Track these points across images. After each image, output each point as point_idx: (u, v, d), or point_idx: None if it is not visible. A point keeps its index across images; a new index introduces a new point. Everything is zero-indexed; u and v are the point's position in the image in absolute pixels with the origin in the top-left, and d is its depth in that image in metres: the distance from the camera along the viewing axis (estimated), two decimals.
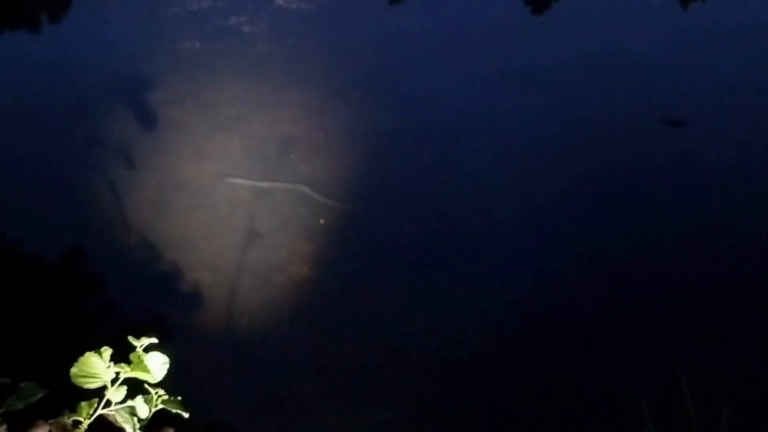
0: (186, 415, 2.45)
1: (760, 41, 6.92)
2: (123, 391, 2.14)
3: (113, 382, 2.17)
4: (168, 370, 2.62)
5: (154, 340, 2.30)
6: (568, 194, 4.92)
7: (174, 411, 2.36)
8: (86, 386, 2.13)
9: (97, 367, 2.16)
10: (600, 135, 5.52)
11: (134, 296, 3.97)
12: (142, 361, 2.23)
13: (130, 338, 2.39)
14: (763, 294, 4.16)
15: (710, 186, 5.06)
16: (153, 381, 2.24)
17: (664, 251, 4.49)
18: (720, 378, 3.61)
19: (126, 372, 2.20)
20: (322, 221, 4.63)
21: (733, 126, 5.66)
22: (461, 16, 7.33)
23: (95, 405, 2.12)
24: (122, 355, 2.43)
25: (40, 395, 2.05)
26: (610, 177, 5.11)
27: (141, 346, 2.30)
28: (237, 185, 4.90)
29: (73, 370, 2.16)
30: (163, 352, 2.57)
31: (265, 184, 4.89)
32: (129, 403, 2.17)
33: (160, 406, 2.32)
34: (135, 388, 2.36)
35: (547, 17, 7.53)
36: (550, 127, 5.60)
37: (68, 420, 2.04)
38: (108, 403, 2.13)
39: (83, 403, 2.11)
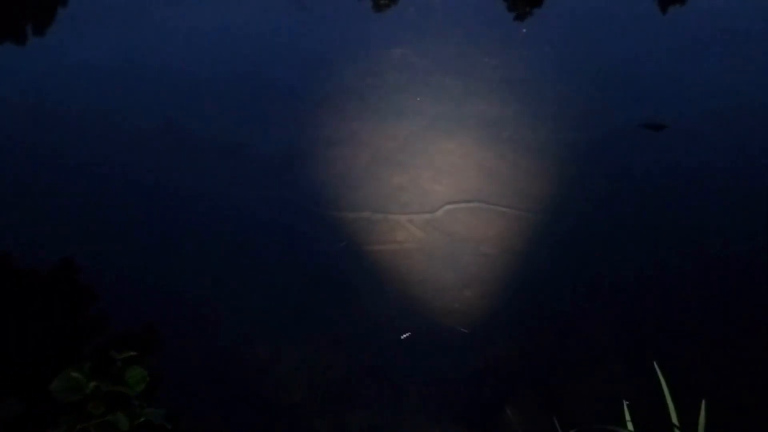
0: (170, 427, 2.49)
1: (740, 46, 7.00)
2: (103, 404, 2.18)
3: (94, 395, 2.21)
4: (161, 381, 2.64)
5: (134, 354, 2.33)
6: (552, 198, 4.97)
7: (158, 423, 2.39)
8: (67, 400, 2.17)
9: (77, 382, 2.20)
10: (581, 139, 5.58)
11: (127, 307, 4.00)
12: (122, 375, 2.26)
13: (112, 353, 2.43)
14: (743, 295, 4.21)
15: (691, 189, 5.12)
16: (134, 394, 2.28)
17: (646, 254, 4.54)
18: (700, 377, 3.66)
19: (106, 386, 2.23)
20: None
21: (714, 129, 5.72)
22: (444, 26, 7.40)
23: (76, 419, 2.16)
24: (108, 367, 2.46)
25: (20, 411, 2.08)
26: (591, 180, 5.17)
27: (121, 360, 2.34)
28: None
29: (54, 384, 2.20)
30: (148, 365, 2.60)
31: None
32: (110, 416, 2.20)
33: (143, 419, 2.35)
34: (118, 400, 2.40)
35: (531, 24, 7.60)
36: (533, 133, 5.66)
37: None
38: (89, 417, 2.17)
39: (63, 417, 2.14)
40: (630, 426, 2.89)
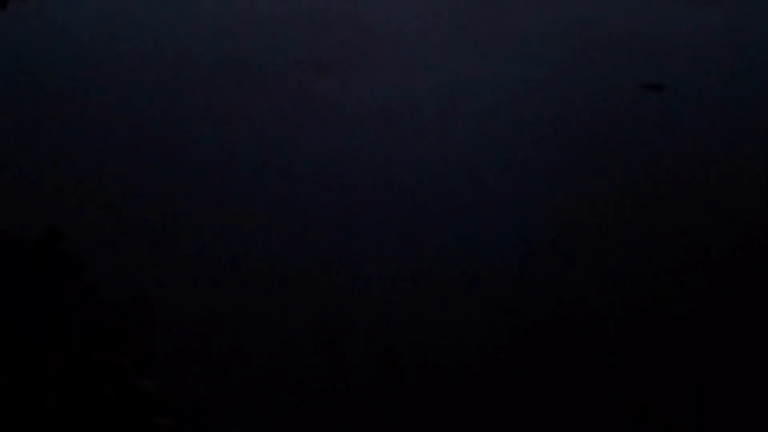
0: (163, 397, 2.49)
1: (739, 4, 6.86)
2: (97, 375, 2.17)
3: (87, 366, 2.19)
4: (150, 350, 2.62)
5: (127, 324, 2.31)
6: (549, 157, 4.93)
7: (148, 391, 2.39)
8: (61, 371, 2.15)
9: (71, 353, 2.18)
10: (580, 98, 5.51)
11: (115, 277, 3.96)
12: (115, 346, 2.25)
13: (105, 323, 2.41)
14: (741, 254, 4.19)
15: (689, 147, 5.06)
16: (127, 365, 2.27)
17: (643, 213, 4.50)
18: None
19: (100, 356, 2.22)
20: None
21: (713, 88, 5.64)
22: None
23: (70, 390, 2.14)
24: (100, 338, 2.45)
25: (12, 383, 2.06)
26: (590, 140, 5.11)
27: (115, 331, 2.32)
28: None
29: (47, 356, 2.18)
30: (141, 335, 2.58)
31: None
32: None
33: (137, 390, 2.34)
34: (111, 372, 2.39)
35: None
36: (532, 91, 5.58)
37: (42, 406, 2.06)
38: (82, 388, 2.15)
39: (57, 389, 2.13)
40: None
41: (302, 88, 5.46)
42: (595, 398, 3.17)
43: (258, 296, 3.89)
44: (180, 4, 6.47)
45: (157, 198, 4.61)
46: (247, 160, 4.96)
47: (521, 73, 5.86)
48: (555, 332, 3.61)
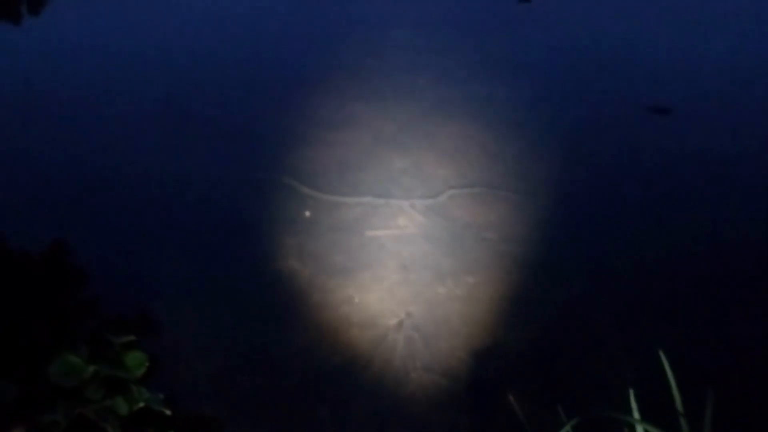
0: (168, 412, 2.44)
1: (746, 26, 6.92)
2: (101, 389, 2.12)
3: (92, 380, 2.16)
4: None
5: (133, 338, 2.28)
6: (556, 182, 4.93)
7: (156, 408, 2.34)
8: (65, 385, 2.12)
9: (75, 366, 2.14)
10: (586, 123, 5.53)
11: (118, 290, 3.92)
12: (121, 359, 2.22)
13: (110, 337, 2.38)
14: (749, 280, 4.17)
15: (696, 173, 5.07)
16: (132, 379, 2.23)
17: (651, 238, 4.49)
18: (705, 365, 3.62)
19: (105, 370, 2.18)
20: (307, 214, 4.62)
21: (720, 113, 5.66)
22: (446, 7, 7.34)
23: (74, 403, 2.11)
24: (105, 352, 2.40)
25: (16, 395, 2.03)
26: (597, 165, 5.12)
27: (120, 344, 2.29)
28: None
29: (52, 368, 2.15)
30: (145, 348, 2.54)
31: None
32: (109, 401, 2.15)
33: (142, 404, 2.30)
34: (116, 386, 2.35)
35: (533, 5, 7.53)
36: (537, 116, 5.60)
37: (46, 420, 2.02)
38: (87, 401, 2.11)
39: (61, 402, 2.09)
40: (636, 413, 2.84)
41: None
42: None
43: (261, 308, 3.85)
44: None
45: (160, 214, 4.58)
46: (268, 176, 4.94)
47: (525, 95, 5.90)
48: None
